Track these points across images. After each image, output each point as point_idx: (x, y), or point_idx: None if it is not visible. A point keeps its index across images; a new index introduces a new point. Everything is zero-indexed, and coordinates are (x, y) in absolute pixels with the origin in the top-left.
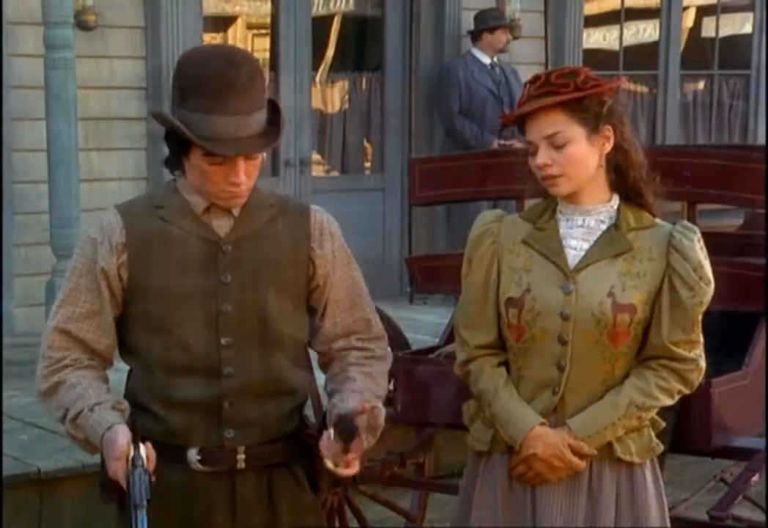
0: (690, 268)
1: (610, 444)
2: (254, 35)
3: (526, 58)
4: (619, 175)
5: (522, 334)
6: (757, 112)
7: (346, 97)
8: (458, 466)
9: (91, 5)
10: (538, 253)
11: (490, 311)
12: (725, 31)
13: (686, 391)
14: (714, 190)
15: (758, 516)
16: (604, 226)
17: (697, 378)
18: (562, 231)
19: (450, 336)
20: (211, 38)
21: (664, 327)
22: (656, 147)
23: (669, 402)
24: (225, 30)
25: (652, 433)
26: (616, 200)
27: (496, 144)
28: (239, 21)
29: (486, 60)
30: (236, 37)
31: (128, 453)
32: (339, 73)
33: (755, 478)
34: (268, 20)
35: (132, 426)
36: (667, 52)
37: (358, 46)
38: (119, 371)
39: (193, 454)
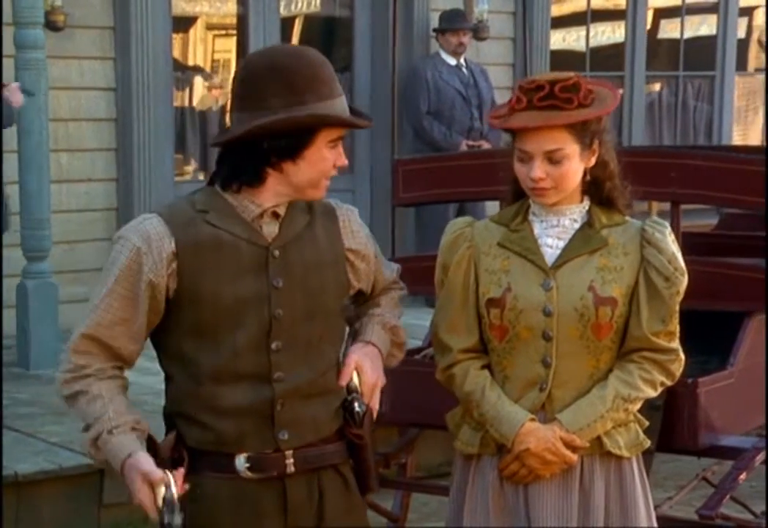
0: (665, 259)
1: (599, 438)
2: (215, 36)
3: (494, 59)
4: (595, 184)
5: (505, 333)
6: (722, 113)
7: None
8: (434, 466)
9: (60, 5)
10: (515, 254)
11: (470, 315)
12: (690, 32)
13: (668, 383)
14: (699, 191)
15: (739, 514)
16: (577, 225)
17: (678, 369)
18: (536, 231)
19: None
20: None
21: (643, 318)
22: (641, 148)
23: (653, 393)
24: (186, 30)
25: (639, 429)
26: (587, 201)
27: (464, 145)
28: (200, 21)
29: (452, 61)
30: (197, 37)
31: (154, 479)
32: None
33: (743, 476)
34: (228, 20)
35: (173, 440)
36: (632, 53)
37: (327, 47)
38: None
39: (242, 461)
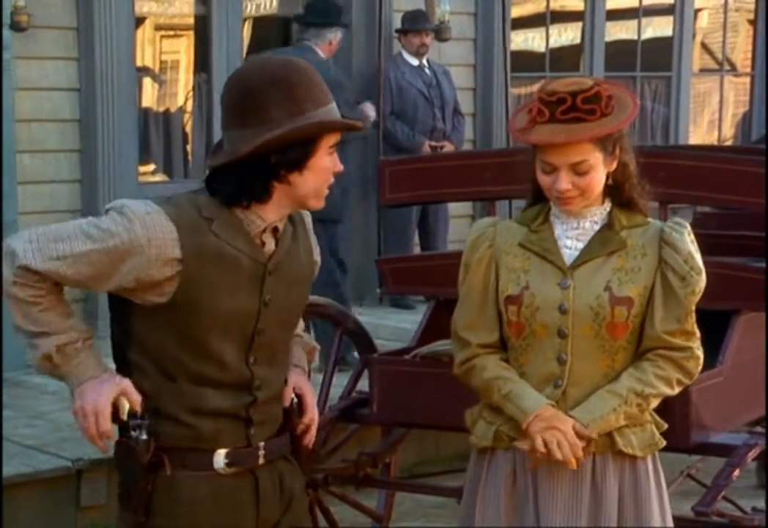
0: (681, 259)
1: (612, 437)
2: (177, 36)
3: (455, 60)
4: (616, 186)
5: (522, 330)
6: (678, 114)
7: None
8: (410, 466)
9: (24, 5)
10: (534, 254)
11: (490, 312)
12: (647, 33)
13: (686, 381)
14: (688, 191)
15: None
16: (597, 227)
17: (695, 367)
18: (557, 232)
19: (422, 337)
20: None
21: (657, 317)
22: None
23: (669, 391)
24: (148, 30)
25: (655, 429)
26: (608, 204)
27: (427, 145)
28: (162, 22)
29: (414, 61)
30: (160, 37)
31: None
32: None
33: (736, 473)
34: (189, 21)
35: (151, 435)
36: (591, 54)
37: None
38: None
39: (221, 457)
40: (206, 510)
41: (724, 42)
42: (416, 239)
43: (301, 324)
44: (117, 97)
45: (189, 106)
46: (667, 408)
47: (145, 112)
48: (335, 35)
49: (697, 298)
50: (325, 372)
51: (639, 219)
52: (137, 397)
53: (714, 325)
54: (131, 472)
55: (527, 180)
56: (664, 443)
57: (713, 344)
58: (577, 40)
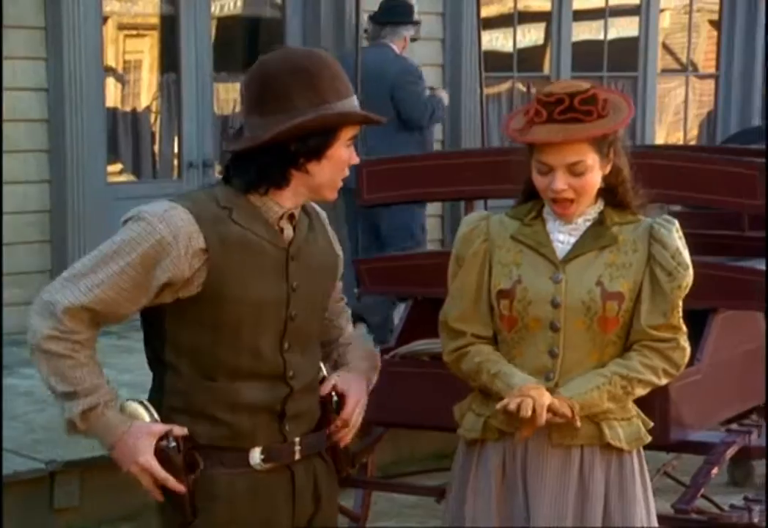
0: (668, 254)
1: (600, 429)
2: (129, 36)
3: (424, 60)
4: (609, 189)
5: (514, 324)
6: (645, 114)
7: None
8: (384, 465)
9: None
10: (527, 247)
11: (483, 308)
12: (613, 34)
13: (672, 372)
14: (663, 191)
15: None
16: (589, 223)
17: (681, 358)
18: (549, 227)
19: (401, 337)
20: None
21: (644, 311)
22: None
23: (655, 379)
24: (116, 30)
25: (641, 424)
26: (601, 202)
27: None
28: (114, 22)
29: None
30: (112, 38)
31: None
32: (240, 75)
33: (715, 470)
34: (156, 20)
35: (184, 436)
36: (558, 54)
37: (259, 47)
38: None
39: (256, 454)
40: (244, 507)
41: (689, 42)
42: None
43: (350, 327)
44: (85, 97)
45: (157, 106)
46: (646, 405)
47: (114, 112)
48: (409, 32)
49: (684, 293)
50: None
51: (630, 217)
52: (177, 430)
53: (692, 324)
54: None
55: (506, 180)
56: (649, 439)
57: (691, 342)
58: (544, 41)
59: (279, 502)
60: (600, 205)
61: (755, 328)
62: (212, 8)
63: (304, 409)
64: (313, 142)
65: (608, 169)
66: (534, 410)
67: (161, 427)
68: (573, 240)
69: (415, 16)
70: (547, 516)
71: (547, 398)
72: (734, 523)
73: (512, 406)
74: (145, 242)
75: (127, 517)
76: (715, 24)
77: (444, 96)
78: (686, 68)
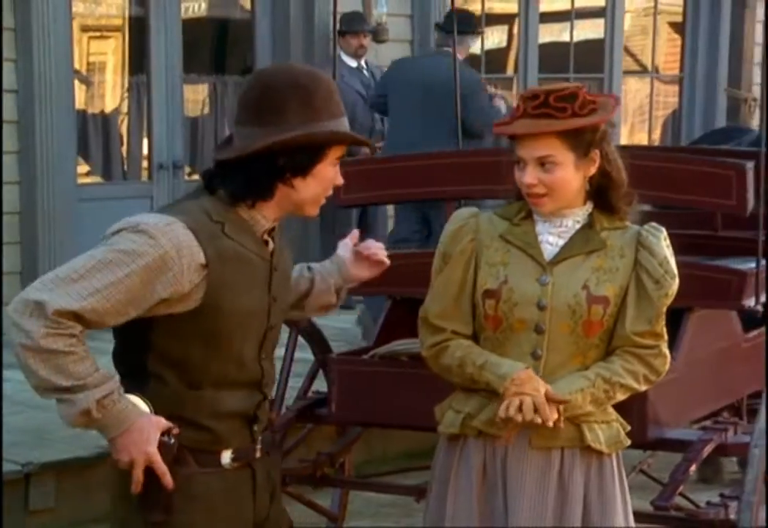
0: (656, 262)
1: (581, 432)
2: (99, 38)
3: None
4: (600, 194)
5: (499, 324)
6: None
7: (218, 100)
8: (357, 464)
9: None
10: (515, 248)
11: (465, 306)
12: (579, 36)
13: (652, 378)
14: (650, 192)
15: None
16: (578, 226)
17: (662, 365)
18: (538, 228)
19: (380, 337)
20: None
21: (629, 317)
22: None
23: (635, 385)
24: (85, 31)
25: (621, 429)
26: (590, 204)
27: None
28: (85, 23)
29: (353, 63)
30: (82, 39)
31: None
32: (210, 76)
33: (692, 468)
34: (126, 22)
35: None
36: (525, 55)
37: (228, 49)
38: None
39: (228, 455)
40: (219, 505)
41: (653, 44)
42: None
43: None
44: (55, 99)
45: (127, 108)
46: (624, 404)
47: (83, 114)
48: (473, 41)
49: (669, 301)
50: (281, 371)
51: (618, 222)
52: (175, 429)
53: (666, 323)
54: (152, 472)
55: (484, 180)
56: (629, 442)
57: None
58: (511, 43)
59: (244, 498)
60: (589, 208)
61: (728, 326)
62: (181, 10)
63: (267, 412)
64: (301, 158)
65: (592, 170)
66: (536, 409)
67: (166, 423)
68: (562, 242)
69: (480, 28)
70: (526, 518)
71: (542, 390)
72: (711, 520)
73: (512, 412)
74: (148, 255)
75: (102, 519)
76: (675, 26)
77: (502, 105)
78: (649, 70)
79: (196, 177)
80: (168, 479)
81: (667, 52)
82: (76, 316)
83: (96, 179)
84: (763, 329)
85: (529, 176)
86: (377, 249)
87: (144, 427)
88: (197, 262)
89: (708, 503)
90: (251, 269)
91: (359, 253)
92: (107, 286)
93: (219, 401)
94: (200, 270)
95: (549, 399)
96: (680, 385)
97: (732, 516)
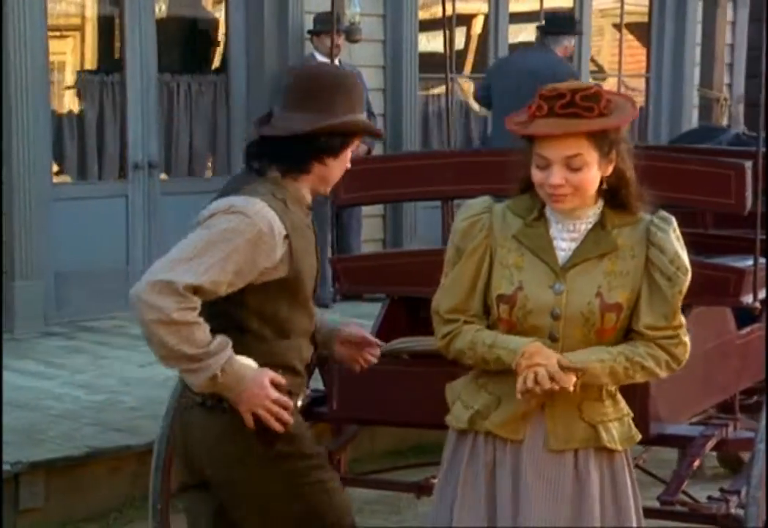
0: (667, 260)
1: (597, 432)
2: (71, 36)
3: (366, 61)
4: (612, 192)
5: (512, 327)
6: None
7: (192, 99)
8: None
9: None
10: (529, 251)
11: (476, 302)
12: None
13: (674, 365)
14: (652, 191)
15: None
16: (590, 226)
17: (683, 353)
18: (552, 232)
19: (378, 336)
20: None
21: (643, 315)
22: None
23: (657, 369)
24: (61, 31)
25: (632, 423)
26: (601, 202)
27: None
28: (59, 22)
29: (327, 62)
30: (57, 38)
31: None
32: (184, 75)
33: (696, 463)
34: (76, 22)
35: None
36: (495, 55)
37: (203, 48)
38: None
39: (300, 399)
40: (302, 436)
41: (620, 44)
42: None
43: None
44: (30, 98)
45: (101, 108)
46: (626, 401)
47: (59, 113)
48: (570, 41)
49: (683, 296)
50: None
51: (629, 218)
52: (279, 377)
53: None
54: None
55: (481, 180)
56: (639, 437)
57: None
58: (482, 42)
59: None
60: (600, 205)
61: (723, 323)
62: (155, 9)
63: None
64: (335, 142)
65: (609, 170)
66: (552, 378)
67: (274, 373)
68: (574, 245)
69: (577, 28)
70: (542, 518)
71: (554, 359)
72: (714, 514)
73: (530, 384)
74: (247, 232)
75: (92, 518)
76: (637, 26)
77: None
78: (606, 71)
79: (170, 176)
80: (287, 418)
81: (612, 53)
82: (199, 290)
83: (71, 179)
84: (755, 326)
85: (556, 176)
86: (373, 356)
87: (260, 380)
88: (282, 235)
89: (709, 498)
90: (309, 237)
91: (358, 345)
92: (219, 261)
93: (303, 348)
94: (284, 241)
95: (562, 367)
96: (678, 380)
97: (732, 510)
